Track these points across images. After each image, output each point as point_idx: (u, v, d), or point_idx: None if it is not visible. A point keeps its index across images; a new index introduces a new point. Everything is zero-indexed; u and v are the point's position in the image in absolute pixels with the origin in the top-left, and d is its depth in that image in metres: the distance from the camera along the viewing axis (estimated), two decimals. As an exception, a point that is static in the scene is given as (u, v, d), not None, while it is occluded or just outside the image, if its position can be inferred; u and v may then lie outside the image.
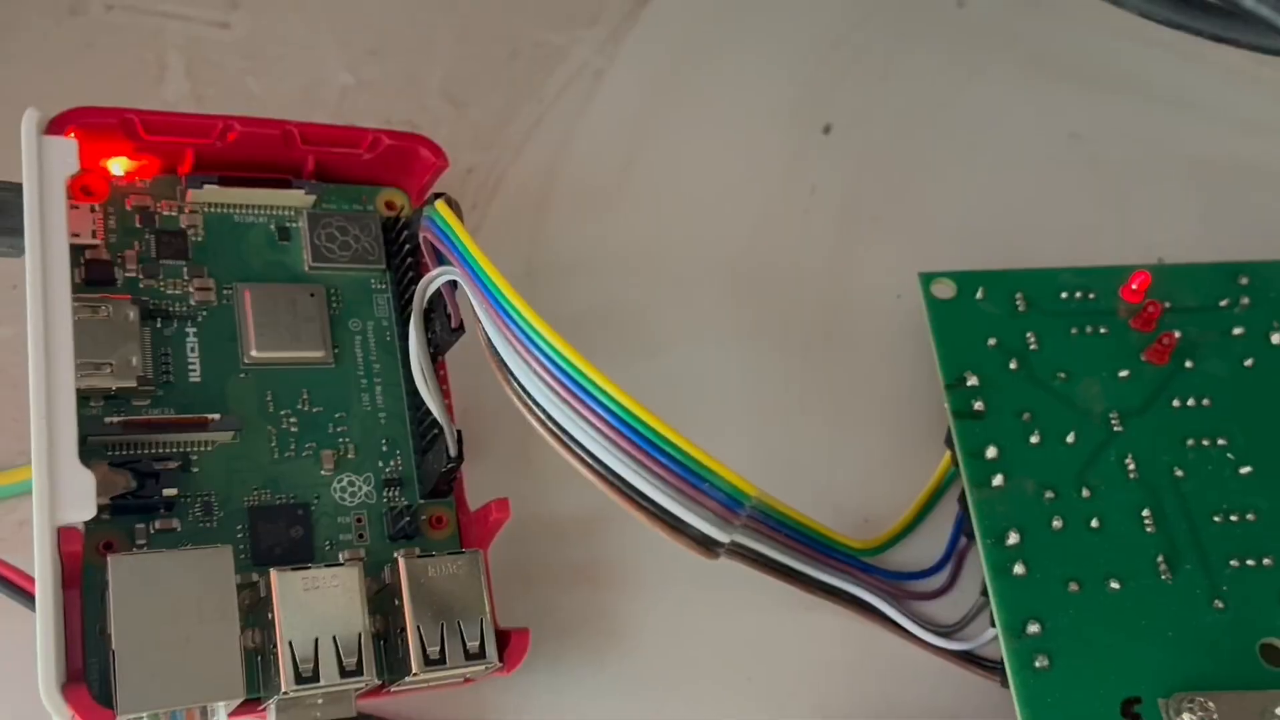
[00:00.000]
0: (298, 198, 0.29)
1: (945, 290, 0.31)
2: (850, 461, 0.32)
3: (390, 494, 0.28)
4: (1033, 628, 0.26)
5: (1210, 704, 0.24)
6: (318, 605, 0.24)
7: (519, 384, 0.24)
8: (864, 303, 0.35)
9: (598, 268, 0.36)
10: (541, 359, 0.23)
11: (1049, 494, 0.28)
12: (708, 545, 0.23)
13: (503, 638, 0.26)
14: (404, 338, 0.29)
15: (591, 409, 0.23)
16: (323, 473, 0.27)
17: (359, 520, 0.27)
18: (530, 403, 0.24)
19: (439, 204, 0.25)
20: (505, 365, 0.24)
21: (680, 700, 0.28)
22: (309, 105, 0.38)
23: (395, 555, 0.26)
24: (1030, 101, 0.39)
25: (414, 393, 0.28)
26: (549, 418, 0.23)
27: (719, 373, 0.33)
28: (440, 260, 0.26)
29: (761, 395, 0.33)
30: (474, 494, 0.28)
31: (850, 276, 0.35)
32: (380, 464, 0.28)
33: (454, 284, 0.26)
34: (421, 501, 0.28)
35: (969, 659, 0.28)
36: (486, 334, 0.24)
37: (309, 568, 0.25)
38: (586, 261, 0.36)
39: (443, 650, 0.25)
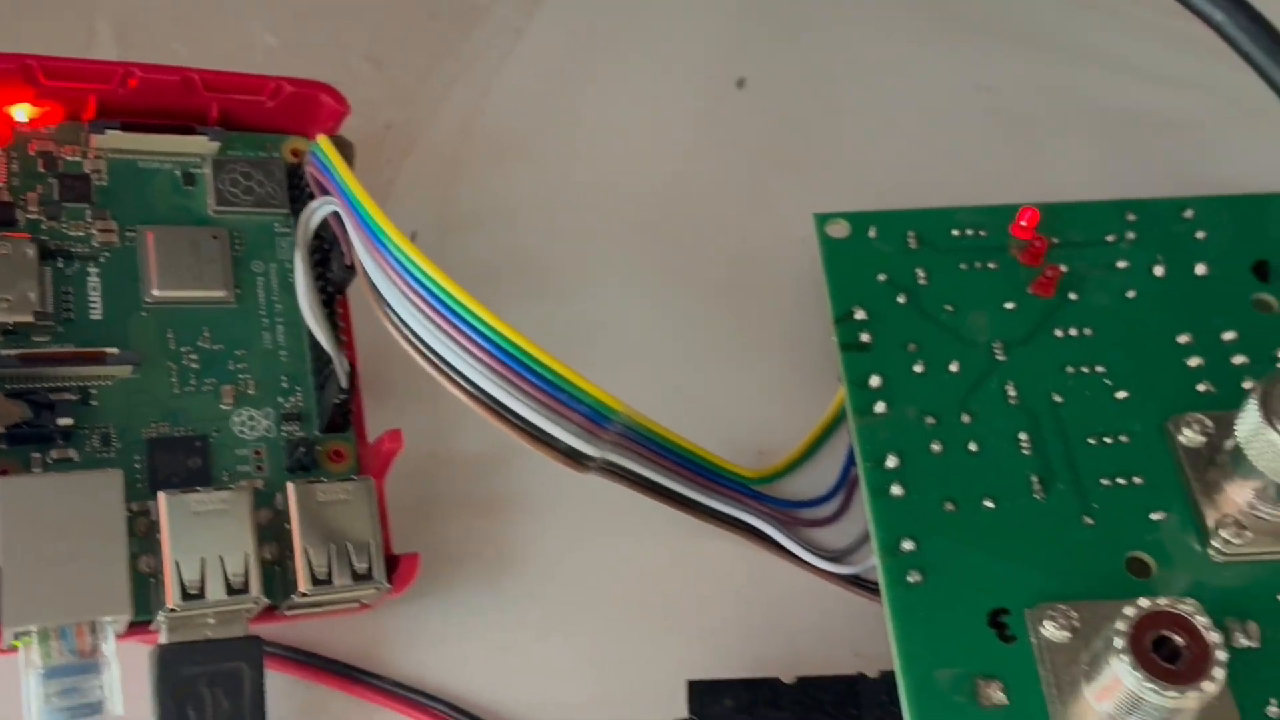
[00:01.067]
0: (202, 144, 0.30)
1: (839, 230, 0.32)
2: (750, 398, 0.32)
3: (289, 428, 0.29)
4: (907, 545, 0.27)
5: (1073, 613, 0.25)
6: (206, 527, 0.25)
7: (395, 313, 0.24)
8: (770, 248, 0.35)
9: (511, 218, 0.36)
10: (416, 286, 0.24)
11: (930, 420, 0.28)
12: (576, 458, 0.24)
13: (392, 562, 0.27)
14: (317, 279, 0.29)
15: (464, 333, 0.23)
16: (222, 407, 0.28)
17: (258, 453, 0.28)
18: (407, 331, 0.24)
19: (321, 138, 0.26)
20: (381, 295, 0.24)
21: (573, 624, 0.29)
22: (234, 67, 0.39)
23: (287, 483, 0.26)
24: (940, 54, 0.40)
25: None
26: (424, 344, 0.24)
27: (627, 315, 0.34)
28: (324, 194, 0.26)
29: (668, 336, 0.34)
30: (379, 431, 0.29)
31: (758, 224, 0.36)
32: (280, 399, 0.29)
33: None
34: (320, 436, 0.29)
35: (855, 582, 0.29)
36: (363, 264, 0.25)
37: (197, 491, 0.25)
38: (500, 212, 0.36)
39: (330, 571, 0.26)
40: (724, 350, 0.34)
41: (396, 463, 0.29)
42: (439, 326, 0.23)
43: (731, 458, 0.31)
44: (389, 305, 0.24)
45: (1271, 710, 0.24)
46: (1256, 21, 0.19)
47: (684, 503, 0.28)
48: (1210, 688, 0.22)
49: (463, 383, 0.23)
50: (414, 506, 0.30)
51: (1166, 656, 0.23)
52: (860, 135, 0.38)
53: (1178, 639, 0.23)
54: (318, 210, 0.26)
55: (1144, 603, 0.23)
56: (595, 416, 0.23)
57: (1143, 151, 0.38)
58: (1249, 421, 0.25)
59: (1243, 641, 0.25)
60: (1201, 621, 0.23)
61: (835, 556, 0.29)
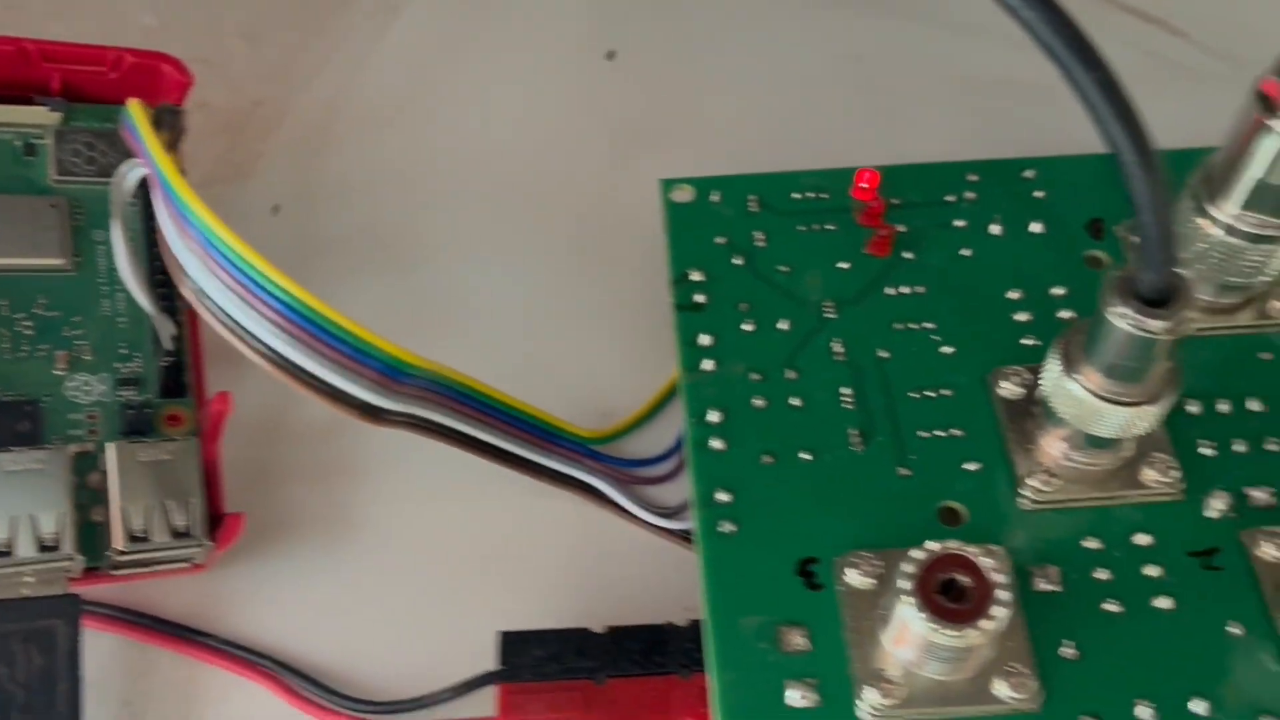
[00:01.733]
0: (43, 114, 0.30)
1: (684, 195, 0.32)
2: (599, 362, 0.33)
3: (125, 393, 0.29)
4: (723, 496, 0.27)
5: (876, 560, 0.25)
6: (19, 486, 0.25)
7: (190, 277, 0.24)
8: (630, 217, 0.36)
9: (375, 190, 0.37)
10: (210, 250, 0.24)
11: (755, 376, 0.29)
12: (372, 413, 0.24)
13: (218, 520, 0.27)
14: (151, 245, 0.30)
15: (256, 296, 0.24)
16: (55, 372, 0.29)
17: (91, 417, 0.28)
18: (204, 297, 0.25)
19: (131, 102, 0.26)
20: (178, 260, 0.25)
21: (407, 585, 0.29)
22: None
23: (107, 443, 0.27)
24: (808, 25, 0.40)
25: (164, 297, 0.29)
26: (223, 311, 0.24)
27: (485, 284, 0.35)
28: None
29: (524, 304, 0.34)
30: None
31: (620, 193, 0.36)
32: (117, 365, 0.29)
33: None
34: (158, 400, 0.29)
35: (687, 537, 0.29)
36: (162, 228, 0.25)
37: (11, 450, 0.26)
38: (365, 184, 0.37)
39: (148, 528, 0.26)
40: (578, 316, 0.34)
41: (242, 428, 0.29)
42: (232, 290, 0.24)
43: (577, 419, 0.31)
44: (185, 270, 0.24)
45: (1065, 651, 0.25)
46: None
47: (518, 462, 0.29)
48: (989, 625, 0.23)
49: (259, 346, 0.24)
50: (257, 471, 0.30)
51: (954, 598, 0.23)
52: (729, 105, 0.39)
53: (964, 580, 0.23)
54: (129, 174, 0.27)
55: (933, 546, 0.24)
56: (388, 371, 0.24)
57: (1005, 117, 0.38)
58: (1052, 372, 0.25)
59: (1043, 586, 0.26)
60: (986, 563, 0.23)
61: (670, 513, 0.30)
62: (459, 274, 0.35)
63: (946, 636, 0.23)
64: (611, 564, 0.29)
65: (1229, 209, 0.27)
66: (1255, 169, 0.26)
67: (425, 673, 0.27)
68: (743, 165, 0.34)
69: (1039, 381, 0.26)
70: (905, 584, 0.23)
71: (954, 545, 0.24)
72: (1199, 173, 0.28)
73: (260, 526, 0.29)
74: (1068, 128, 0.38)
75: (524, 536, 0.30)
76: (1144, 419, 0.25)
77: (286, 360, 0.24)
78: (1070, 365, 0.25)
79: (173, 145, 0.29)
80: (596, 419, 0.32)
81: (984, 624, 0.23)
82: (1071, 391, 0.25)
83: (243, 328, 0.24)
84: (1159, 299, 0.23)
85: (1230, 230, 0.27)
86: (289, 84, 0.39)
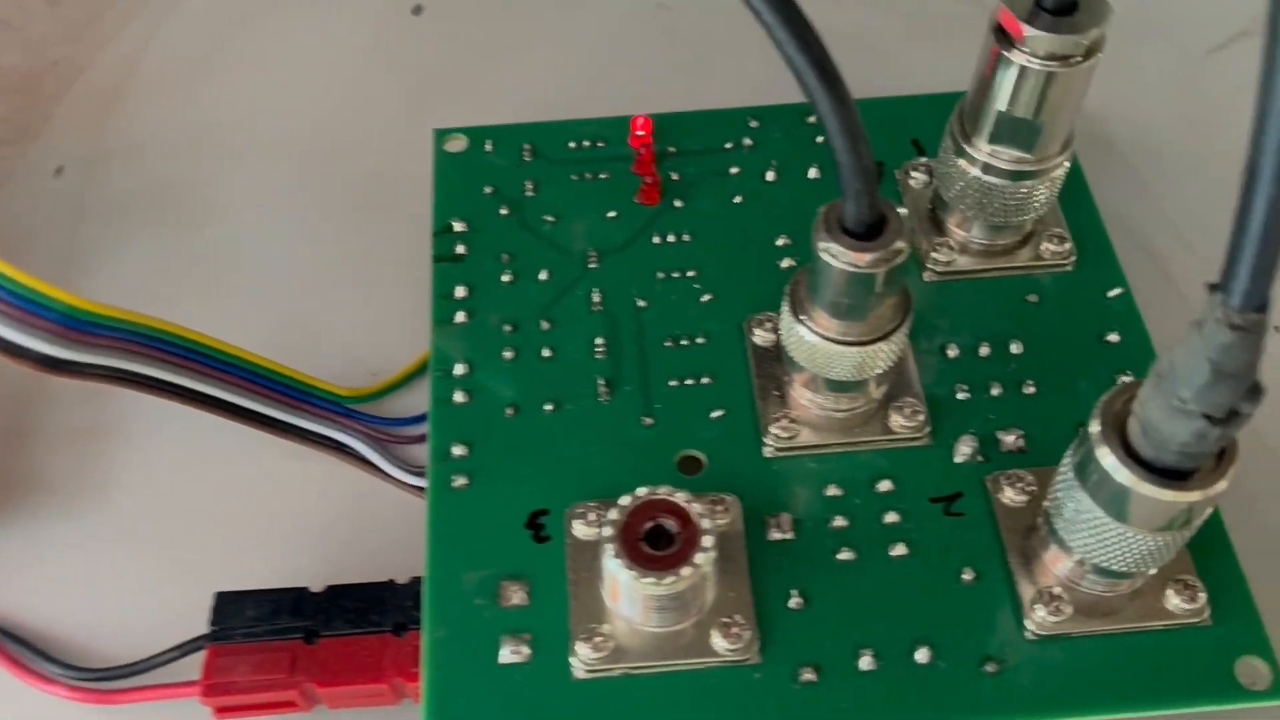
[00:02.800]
0: None
1: (457, 144, 0.31)
2: (377, 321, 0.32)
3: None
4: (458, 450, 0.26)
5: (603, 510, 0.25)
6: None
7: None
8: (423, 174, 0.35)
9: (167, 151, 0.36)
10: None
11: (508, 328, 0.28)
12: (53, 365, 0.23)
13: (-64, 484, 0.26)
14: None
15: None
16: None
17: None
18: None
19: None
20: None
21: (151, 550, 0.28)
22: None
23: None
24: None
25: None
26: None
27: (268, 245, 0.34)
28: None
29: (305, 264, 0.33)
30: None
31: (415, 150, 0.35)
32: None
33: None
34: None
35: (443, 496, 0.28)
36: None
37: None
38: (157, 143, 0.36)
39: None
40: (361, 274, 0.33)
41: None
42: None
43: (349, 378, 0.30)
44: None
45: (793, 601, 0.24)
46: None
47: (263, 421, 0.28)
48: (691, 572, 0.22)
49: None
50: (8, 434, 0.30)
51: (663, 546, 0.23)
52: (535, 58, 0.38)
53: (671, 527, 0.23)
54: None
55: (641, 492, 0.23)
56: (67, 322, 0.23)
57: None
58: (784, 318, 0.24)
59: (776, 535, 0.25)
60: (695, 509, 0.23)
61: (424, 471, 0.29)
62: (243, 234, 0.34)
63: (648, 585, 0.22)
64: (367, 524, 0.29)
65: (982, 146, 0.26)
66: (999, 101, 0.25)
67: (160, 638, 0.26)
68: (546, 118, 0.33)
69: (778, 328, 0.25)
70: (608, 531, 0.22)
71: (664, 491, 0.23)
72: (954, 113, 0.27)
73: (11, 491, 0.28)
74: (877, 76, 0.37)
75: (277, 498, 0.29)
76: (877, 358, 0.24)
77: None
78: (797, 309, 0.24)
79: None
80: (364, 378, 0.31)
81: (686, 571, 0.22)
82: (802, 336, 0.24)
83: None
84: (865, 232, 0.22)
85: (987, 168, 0.26)
86: (88, 44, 0.38)
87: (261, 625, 0.24)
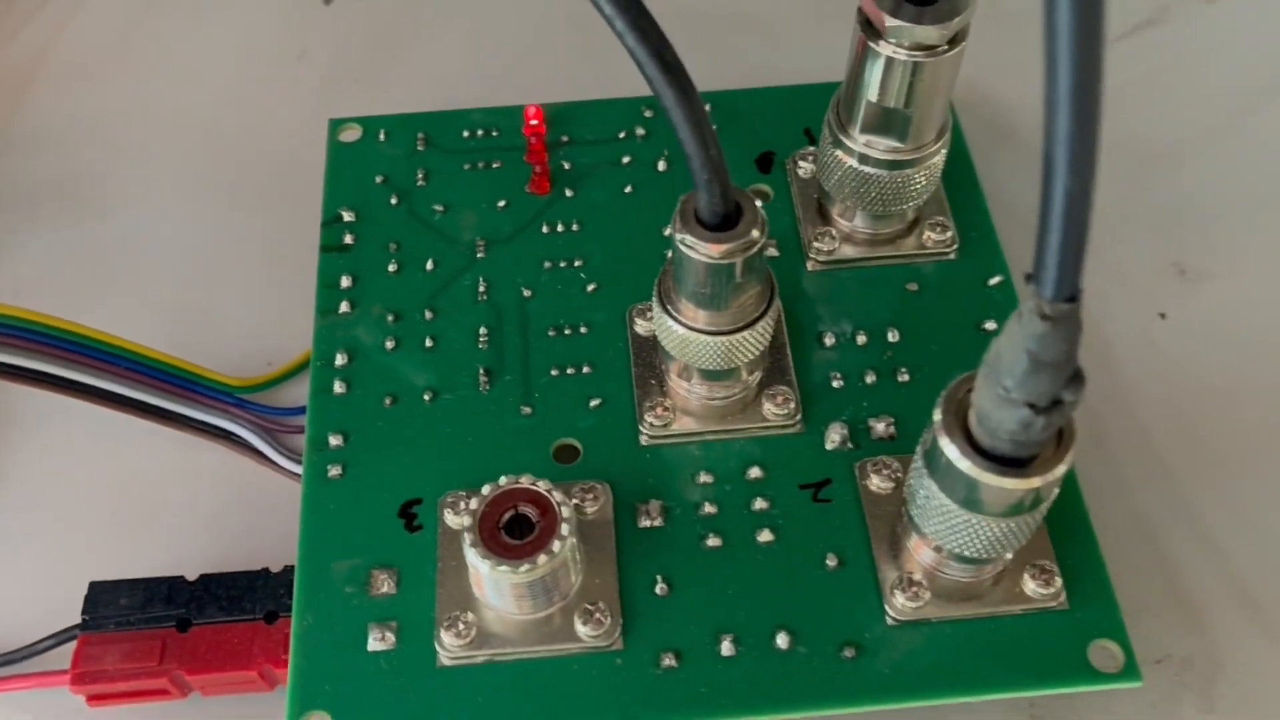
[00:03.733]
0: None
1: (351, 134, 0.31)
2: (274, 312, 0.32)
3: None
4: (335, 440, 0.26)
5: (472, 501, 0.25)
6: None
7: None
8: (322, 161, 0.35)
9: (69, 139, 0.36)
10: None
11: (391, 318, 0.28)
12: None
13: None
14: None
15: None
16: None
17: None
18: None
19: None
20: None
21: (34, 540, 0.28)
22: None
23: None
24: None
25: None
26: None
27: (170, 233, 0.34)
28: None
29: (204, 255, 0.33)
30: None
31: (319, 140, 0.35)
32: None
33: None
34: None
35: (329, 485, 0.29)
36: None
37: None
38: (59, 134, 0.36)
39: None
40: (259, 265, 0.33)
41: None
42: None
43: (243, 369, 0.30)
44: None
45: (659, 588, 0.24)
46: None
47: (148, 410, 0.28)
48: (546, 560, 0.22)
49: None
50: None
51: (523, 535, 0.23)
52: (447, 48, 0.38)
53: (531, 515, 0.23)
54: None
55: (503, 481, 0.23)
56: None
57: (731, 52, 0.37)
58: (655, 309, 0.25)
59: (645, 522, 0.25)
60: (555, 497, 0.23)
61: (311, 461, 0.29)
62: (145, 225, 0.34)
63: (503, 573, 0.22)
64: (255, 514, 0.29)
65: (857, 136, 0.27)
66: (869, 92, 0.26)
67: (39, 628, 0.27)
68: (454, 107, 0.33)
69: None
70: (467, 520, 0.23)
71: (525, 480, 0.23)
72: (831, 103, 0.27)
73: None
74: (783, 61, 0.37)
75: (165, 488, 0.29)
76: (743, 346, 0.24)
77: None
78: (664, 300, 0.24)
79: None
80: (265, 368, 0.31)
81: (542, 559, 0.22)
82: (670, 327, 0.24)
83: None
84: (720, 222, 0.22)
85: (863, 159, 0.27)
86: (-3, 32, 0.38)
87: (134, 614, 0.24)
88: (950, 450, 0.20)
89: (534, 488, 0.23)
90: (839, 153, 0.27)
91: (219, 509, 0.29)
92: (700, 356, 0.24)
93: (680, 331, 0.24)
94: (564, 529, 0.22)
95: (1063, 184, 0.16)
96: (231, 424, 0.29)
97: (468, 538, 0.22)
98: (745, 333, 0.24)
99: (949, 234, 0.29)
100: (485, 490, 0.23)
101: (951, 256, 0.29)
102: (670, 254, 0.23)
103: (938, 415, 0.21)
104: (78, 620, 0.25)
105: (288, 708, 0.23)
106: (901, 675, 0.23)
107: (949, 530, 0.22)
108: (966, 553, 0.22)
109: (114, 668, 0.24)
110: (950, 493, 0.21)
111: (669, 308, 0.24)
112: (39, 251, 0.33)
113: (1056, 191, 0.16)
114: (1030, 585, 0.24)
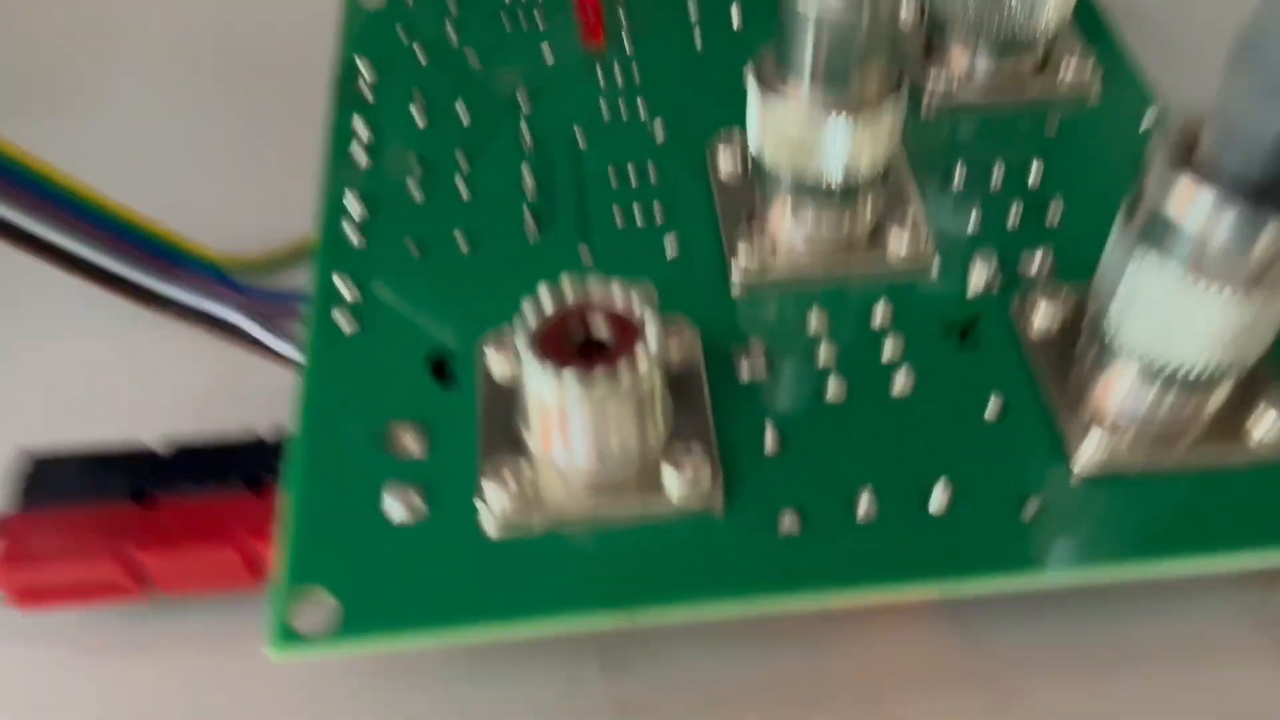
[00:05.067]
0: None
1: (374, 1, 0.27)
2: (277, 197, 0.27)
3: None
4: (348, 293, 0.21)
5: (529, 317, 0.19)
6: None
7: None
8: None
9: (54, 34, 0.31)
10: None
11: (420, 170, 0.23)
12: None
13: None
14: None
15: None
16: None
17: None
18: None
19: None
20: None
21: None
22: None
23: None
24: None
25: None
26: None
27: (159, 126, 0.29)
28: None
29: (204, 143, 0.29)
30: None
31: (324, 17, 0.31)
32: None
33: None
34: None
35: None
36: None
37: None
38: (39, 30, 0.32)
39: None
40: (262, 149, 0.28)
41: None
42: None
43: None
44: None
45: (768, 448, 0.19)
46: None
47: (123, 287, 0.23)
48: (631, 371, 0.17)
49: None
50: None
51: (593, 354, 0.17)
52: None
53: (603, 335, 0.17)
54: None
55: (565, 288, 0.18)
56: None
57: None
58: (752, 105, 0.20)
59: (746, 375, 0.19)
60: (632, 302, 0.17)
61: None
62: (137, 114, 0.29)
63: (574, 388, 0.17)
64: (244, 406, 0.23)
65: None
66: None
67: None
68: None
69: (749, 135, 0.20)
70: (524, 337, 0.17)
71: (594, 287, 0.18)
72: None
73: None
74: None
75: (145, 377, 0.24)
76: (872, 141, 0.19)
77: None
78: (767, 84, 0.19)
79: None
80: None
81: (624, 369, 0.17)
82: (775, 112, 0.19)
83: None
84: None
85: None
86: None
87: (82, 491, 0.18)
88: (1203, 196, 0.15)
89: (608, 294, 0.17)
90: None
91: (211, 400, 0.23)
92: (815, 152, 0.19)
93: (790, 112, 0.19)
94: (650, 332, 0.17)
95: None
96: (217, 306, 0.23)
97: (529, 356, 0.17)
98: (870, 116, 0.19)
99: (1090, 60, 0.24)
100: (545, 296, 0.17)
101: (1092, 99, 0.24)
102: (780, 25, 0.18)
103: (1160, 159, 0.16)
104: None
105: (282, 584, 0.17)
106: (1101, 539, 0.17)
107: (1165, 330, 0.16)
108: (1189, 360, 0.17)
109: (46, 547, 0.18)
110: (1178, 259, 0.16)
111: (775, 90, 0.19)
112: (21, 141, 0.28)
113: None
114: (1266, 422, 0.18)
